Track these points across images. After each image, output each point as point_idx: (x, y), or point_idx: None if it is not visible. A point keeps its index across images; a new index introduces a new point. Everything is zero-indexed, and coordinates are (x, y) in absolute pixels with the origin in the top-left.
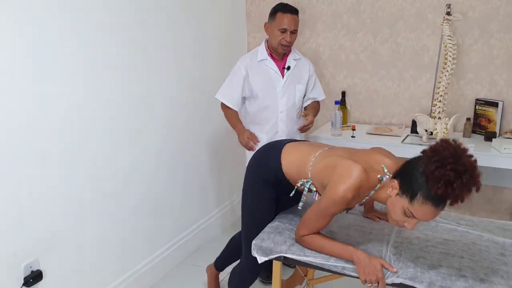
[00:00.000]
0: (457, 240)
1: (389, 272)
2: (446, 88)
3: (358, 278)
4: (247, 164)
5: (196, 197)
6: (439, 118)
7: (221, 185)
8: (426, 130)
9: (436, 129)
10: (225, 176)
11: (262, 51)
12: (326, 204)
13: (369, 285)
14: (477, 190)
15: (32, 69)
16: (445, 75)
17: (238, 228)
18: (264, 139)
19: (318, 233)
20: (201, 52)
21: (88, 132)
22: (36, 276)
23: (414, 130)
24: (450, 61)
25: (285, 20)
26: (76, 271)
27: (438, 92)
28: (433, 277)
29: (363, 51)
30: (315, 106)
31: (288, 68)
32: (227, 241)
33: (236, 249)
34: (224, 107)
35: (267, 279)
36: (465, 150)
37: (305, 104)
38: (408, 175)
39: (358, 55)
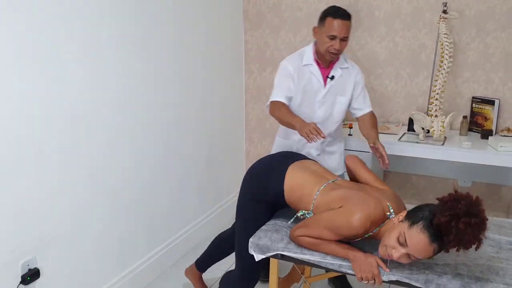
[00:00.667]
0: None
1: (384, 272)
2: (442, 86)
3: (354, 275)
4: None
5: (194, 196)
6: (436, 116)
7: (219, 183)
8: (423, 128)
9: (433, 127)
10: (223, 174)
11: (308, 55)
12: (339, 223)
13: (365, 282)
14: (477, 247)
15: (29, 68)
16: (442, 74)
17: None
18: (294, 148)
19: None
20: (198, 50)
21: (85, 130)
22: (33, 274)
23: (411, 128)
24: (446, 60)
25: (335, 26)
26: (73, 269)
27: (435, 90)
28: (429, 275)
29: (360, 50)
30: (373, 122)
31: (332, 77)
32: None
33: (221, 250)
34: (273, 109)
35: (265, 277)
36: (482, 205)
37: (359, 115)
38: (418, 208)
39: (355, 54)
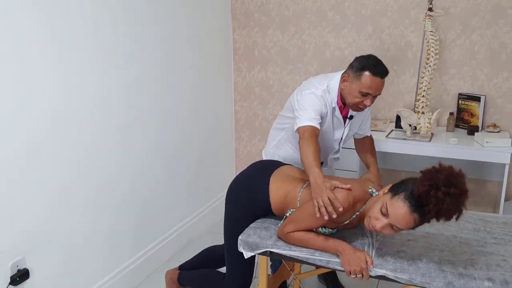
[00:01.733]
0: (438, 233)
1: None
2: (429, 83)
3: (343, 271)
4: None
5: (183, 194)
6: (423, 113)
7: (208, 182)
8: (410, 125)
9: (420, 123)
10: (212, 173)
11: (334, 97)
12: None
13: (353, 276)
14: (457, 217)
15: (19, 66)
16: (428, 71)
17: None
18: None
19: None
20: (186, 49)
21: (75, 130)
22: (22, 274)
23: (398, 125)
24: (432, 57)
25: (373, 84)
26: (63, 269)
27: (421, 88)
28: (413, 273)
29: (348, 48)
30: (373, 149)
31: (351, 117)
32: (213, 239)
33: (203, 279)
34: (305, 137)
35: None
36: (464, 177)
37: (358, 138)
38: (402, 181)
39: (343, 52)
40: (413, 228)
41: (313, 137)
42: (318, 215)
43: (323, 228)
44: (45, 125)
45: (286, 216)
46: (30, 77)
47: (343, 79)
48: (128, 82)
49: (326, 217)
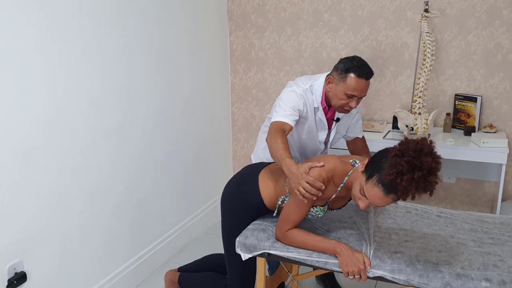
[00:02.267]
0: (435, 234)
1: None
2: (425, 84)
3: (340, 272)
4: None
5: (180, 196)
6: (419, 113)
7: (205, 183)
8: (407, 126)
9: (417, 124)
10: (210, 175)
11: (317, 97)
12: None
13: (351, 277)
14: (430, 193)
15: (12, 67)
16: (425, 71)
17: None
18: None
19: (300, 229)
20: (183, 51)
21: (70, 131)
22: (20, 277)
23: (395, 125)
24: (429, 58)
25: (358, 86)
26: (60, 272)
27: (418, 88)
28: (410, 274)
29: (344, 49)
30: (368, 152)
31: (338, 120)
32: (210, 241)
33: (204, 282)
34: (271, 133)
35: None
36: (431, 151)
37: (349, 139)
38: (375, 157)
39: (339, 53)
40: (395, 202)
41: (278, 131)
42: (305, 201)
43: (315, 208)
44: (39, 127)
45: (278, 205)
46: (23, 80)
47: (328, 81)
48: (124, 84)
49: (314, 198)
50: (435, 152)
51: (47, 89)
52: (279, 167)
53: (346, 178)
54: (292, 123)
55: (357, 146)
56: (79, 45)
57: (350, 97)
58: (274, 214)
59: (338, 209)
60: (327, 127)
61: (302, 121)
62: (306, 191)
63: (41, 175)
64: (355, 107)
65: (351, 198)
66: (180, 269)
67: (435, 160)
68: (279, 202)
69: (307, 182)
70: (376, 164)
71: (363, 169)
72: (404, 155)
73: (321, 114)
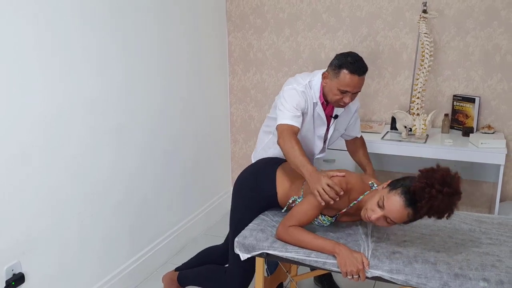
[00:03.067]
0: (434, 234)
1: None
2: (424, 85)
3: (339, 272)
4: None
5: (179, 197)
6: (418, 114)
7: (205, 184)
8: (405, 127)
9: (415, 125)
10: (208, 176)
11: (315, 92)
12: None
13: (350, 277)
14: (448, 215)
15: (9, 67)
16: (423, 72)
17: (221, 228)
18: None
19: (302, 228)
20: (181, 51)
21: (68, 131)
22: (18, 279)
23: (393, 126)
24: (427, 58)
25: (351, 82)
26: (58, 273)
27: (416, 89)
28: (409, 274)
29: (343, 50)
30: (365, 151)
31: (336, 116)
32: (209, 242)
33: (204, 275)
34: (284, 138)
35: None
36: (459, 182)
37: (348, 139)
38: (401, 178)
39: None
40: (406, 222)
41: (292, 136)
42: (323, 203)
43: (323, 216)
44: (38, 128)
45: (289, 203)
46: (22, 80)
47: (323, 76)
48: (123, 84)
49: (331, 202)
50: (460, 183)
51: (46, 89)
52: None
53: (362, 196)
54: (299, 125)
55: (356, 146)
56: (78, 45)
57: (344, 92)
58: (283, 210)
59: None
60: (326, 122)
61: (303, 117)
62: (326, 192)
63: (40, 175)
64: (349, 103)
65: (358, 219)
66: (177, 270)
67: (461, 189)
68: (290, 201)
69: (328, 185)
70: (403, 181)
71: (385, 186)
72: (438, 172)
73: (319, 109)
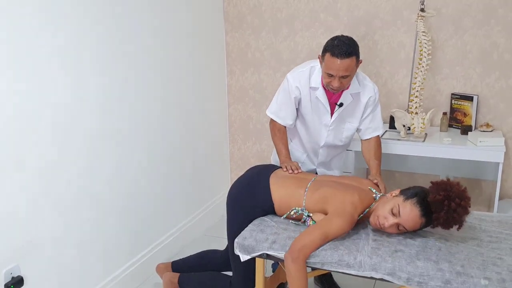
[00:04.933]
0: (435, 232)
1: (366, 266)
2: (422, 83)
3: (339, 272)
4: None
5: (178, 199)
6: (416, 113)
7: (203, 185)
8: (404, 126)
9: (414, 124)
10: (207, 177)
11: (316, 77)
12: (340, 217)
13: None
14: (459, 226)
15: (9, 72)
16: (421, 71)
17: (221, 228)
18: (302, 159)
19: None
20: (179, 52)
21: (68, 135)
22: (17, 282)
23: (392, 125)
24: (425, 57)
25: (332, 65)
26: (58, 276)
27: (415, 88)
28: (411, 272)
29: None
30: (376, 152)
31: (341, 105)
32: (208, 243)
33: (208, 282)
34: (273, 127)
35: None
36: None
37: (364, 138)
38: (411, 187)
39: None
40: (415, 230)
41: (275, 125)
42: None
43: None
44: (38, 133)
45: (289, 214)
46: (19, 85)
47: (319, 61)
48: (122, 87)
49: (295, 172)
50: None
51: (44, 94)
52: (289, 174)
53: (367, 210)
54: (284, 123)
55: (369, 147)
56: (75, 48)
57: (331, 76)
58: (283, 218)
59: None
60: (329, 110)
61: (300, 101)
62: (291, 167)
63: (38, 179)
64: (338, 86)
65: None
66: (173, 263)
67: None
68: (292, 212)
69: (295, 166)
70: (415, 190)
71: (395, 195)
72: (454, 185)
73: (320, 94)
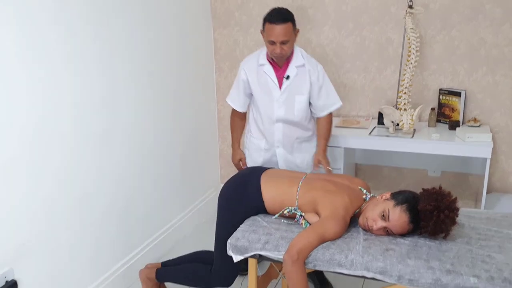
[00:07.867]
0: None
1: (358, 264)
2: (410, 79)
3: (333, 272)
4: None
5: (168, 197)
6: (405, 109)
7: (193, 183)
8: (393, 122)
9: (402, 120)
10: (197, 174)
11: (263, 55)
12: (333, 221)
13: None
14: (445, 235)
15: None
16: (409, 67)
17: (211, 226)
18: (262, 145)
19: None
20: (166, 49)
21: (53, 137)
22: (11, 286)
23: (380, 121)
24: (414, 54)
25: (271, 31)
26: (51, 278)
27: (403, 84)
28: (402, 270)
29: (329, 45)
30: (325, 131)
31: (288, 77)
32: (198, 241)
33: (188, 272)
34: (232, 114)
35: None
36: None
37: (320, 115)
38: (401, 192)
39: (324, 48)
40: (402, 234)
41: (234, 113)
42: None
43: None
44: (25, 136)
45: (283, 212)
46: (5, 87)
47: (262, 36)
48: (107, 84)
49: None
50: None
51: (29, 96)
52: (283, 173)
53: (358, 210)
54: (235, 106)
55: (320, 126)
56: (57, 50)
57: (273, 43)
58: (275, 217)
59: None
60: (277, 83)
61: (250, 83)
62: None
63: (26, 183)
64: (280, 52)
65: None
66: (164, 264)
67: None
68: (285, 211)
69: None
70: (405, 196)
71: (386, 198)
72: (445, 196)
73: (267, 69)
